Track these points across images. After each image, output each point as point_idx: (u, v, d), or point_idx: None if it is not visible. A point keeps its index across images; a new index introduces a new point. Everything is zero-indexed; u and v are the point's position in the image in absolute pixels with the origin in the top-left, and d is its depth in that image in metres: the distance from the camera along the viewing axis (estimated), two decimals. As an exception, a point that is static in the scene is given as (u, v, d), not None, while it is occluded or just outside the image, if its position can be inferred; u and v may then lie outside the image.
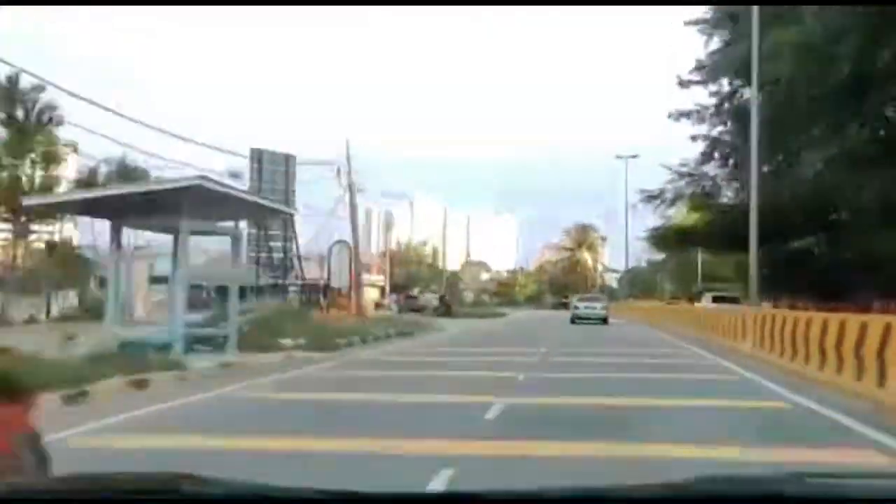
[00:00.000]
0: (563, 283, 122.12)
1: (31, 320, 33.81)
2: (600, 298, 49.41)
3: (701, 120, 37.05)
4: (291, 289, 46.51)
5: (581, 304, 46.16)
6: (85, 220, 33.78)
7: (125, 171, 39.22)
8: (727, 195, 38.77)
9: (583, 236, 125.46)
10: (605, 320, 43.64)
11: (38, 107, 37.11)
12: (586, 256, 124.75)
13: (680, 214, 44.91)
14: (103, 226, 21.94)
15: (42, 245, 42.52)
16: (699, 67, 36.23)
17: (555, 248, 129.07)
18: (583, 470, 6.84)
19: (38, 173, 38.03)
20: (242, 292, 24.37)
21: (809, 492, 1.78)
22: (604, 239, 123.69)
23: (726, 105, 36.39)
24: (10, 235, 40.09)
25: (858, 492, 1.84)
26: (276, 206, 26.26)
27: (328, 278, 44.81)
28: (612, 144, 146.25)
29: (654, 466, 6.85)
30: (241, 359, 17.14)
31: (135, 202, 17.25)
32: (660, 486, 1.77)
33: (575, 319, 43.32)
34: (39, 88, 35.69)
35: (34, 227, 39.98)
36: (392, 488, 1.78)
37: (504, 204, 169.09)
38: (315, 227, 53.39)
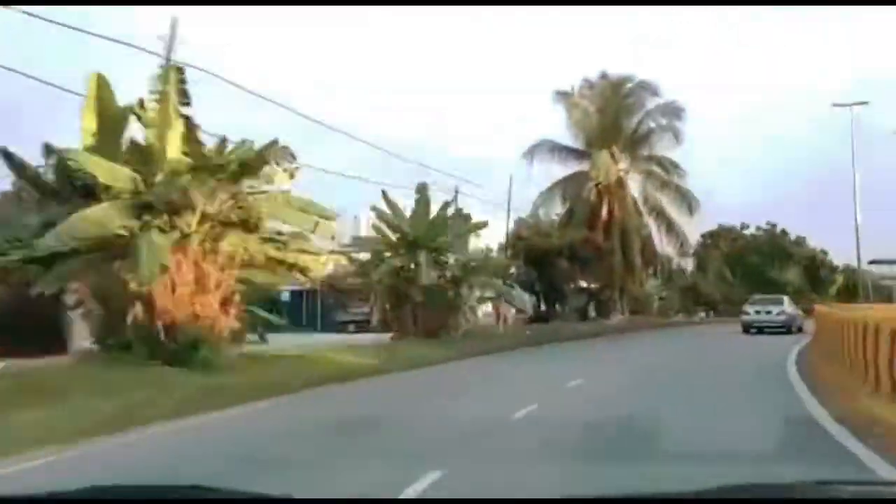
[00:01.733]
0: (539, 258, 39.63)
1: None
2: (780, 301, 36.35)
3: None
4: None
5: (751, 309, 35.43)
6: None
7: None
8: None
9: (613, 99, 42.22)
10: (789, 329, 32.42)
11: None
12: (616, 171, 41.97)
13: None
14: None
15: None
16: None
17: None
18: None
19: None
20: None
21: (822, 497, 2.00)
22: (678, 111, 40.81)
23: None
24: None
25: (868, 496, 2.08)
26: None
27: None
28: None
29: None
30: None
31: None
32: (681, 493, 2.03)
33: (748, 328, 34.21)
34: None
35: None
36: None
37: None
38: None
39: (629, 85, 42.98)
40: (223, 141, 17.37)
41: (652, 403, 12.60)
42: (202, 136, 16.85)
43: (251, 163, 16.72)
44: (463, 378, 18.43)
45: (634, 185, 44.10)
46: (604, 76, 43.17)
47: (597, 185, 41.81)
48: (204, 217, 16.24)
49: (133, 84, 17.23)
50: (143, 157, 16.21)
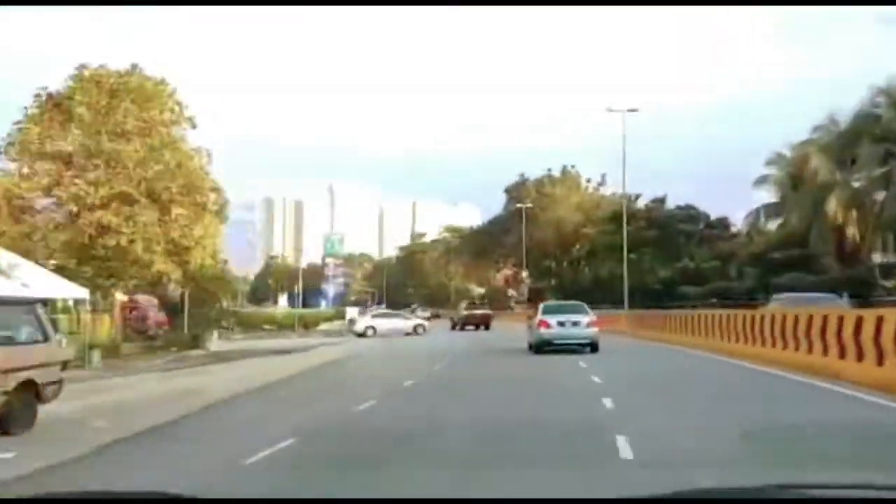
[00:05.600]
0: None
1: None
2: (582, 309, 28.08)
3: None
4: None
5: (553, 321, 26.68)
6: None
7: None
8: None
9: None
10: (595, 346, 26.17)
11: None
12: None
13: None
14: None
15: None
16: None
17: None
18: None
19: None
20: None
21: (787, 498, 2.16)
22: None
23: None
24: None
25: (832, 497, 2.21)
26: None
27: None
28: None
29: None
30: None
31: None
32: (644, 498, 2.06)
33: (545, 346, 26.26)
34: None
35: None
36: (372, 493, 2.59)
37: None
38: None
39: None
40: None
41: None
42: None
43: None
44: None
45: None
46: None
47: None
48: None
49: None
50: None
